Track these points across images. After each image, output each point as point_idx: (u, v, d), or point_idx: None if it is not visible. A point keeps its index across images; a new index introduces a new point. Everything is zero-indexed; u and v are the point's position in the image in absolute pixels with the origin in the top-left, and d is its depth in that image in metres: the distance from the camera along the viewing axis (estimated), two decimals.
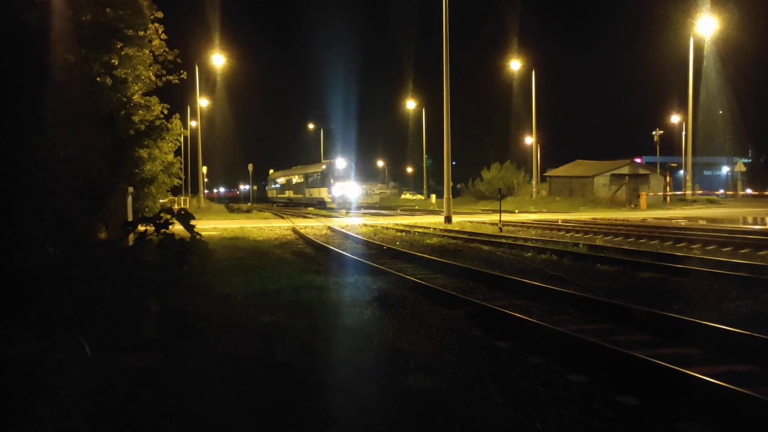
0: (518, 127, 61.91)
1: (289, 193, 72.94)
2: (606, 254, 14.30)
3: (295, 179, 69.86)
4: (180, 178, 19.90)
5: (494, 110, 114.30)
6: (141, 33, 14.28)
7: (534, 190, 59.70)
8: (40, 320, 3.26)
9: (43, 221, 4.29)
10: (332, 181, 56.34)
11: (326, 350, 6.02)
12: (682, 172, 67.81)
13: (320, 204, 56.71)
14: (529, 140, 57.02)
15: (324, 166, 59.34)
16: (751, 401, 4.48)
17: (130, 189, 13.70)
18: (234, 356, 5.70)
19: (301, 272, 11.98)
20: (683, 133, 60.06)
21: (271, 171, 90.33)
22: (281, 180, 79.42)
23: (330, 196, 55.49)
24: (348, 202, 52.49)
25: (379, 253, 16.36)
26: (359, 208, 52.33)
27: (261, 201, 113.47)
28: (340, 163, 57.82)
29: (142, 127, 15.52)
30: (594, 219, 29.20)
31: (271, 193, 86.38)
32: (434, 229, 24.04)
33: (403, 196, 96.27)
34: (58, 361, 3.15)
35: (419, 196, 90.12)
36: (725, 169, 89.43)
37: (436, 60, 29.52)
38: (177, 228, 4.11)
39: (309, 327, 6.91)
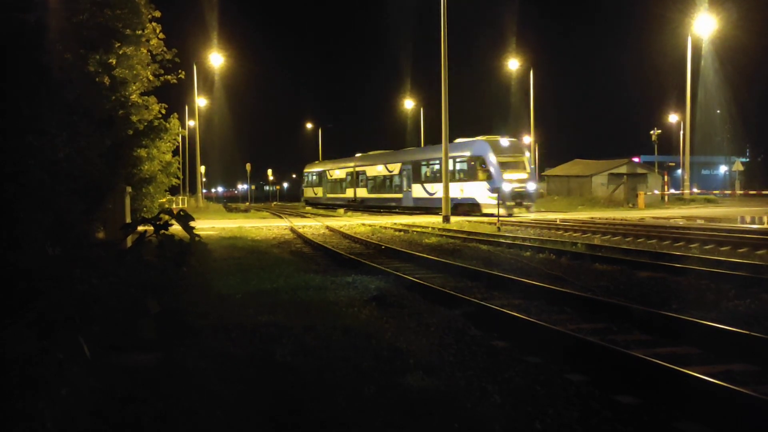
0: (516, 126, 61.85)
1: (361, 192, 50.77)
2: (604, 253, 14.32)
3: (380, 169, 47.23)
4: (178, 178, 19.88)
5: (492, 109, 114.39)
6: (139, 32, 14.26)
7: None
8: (40, 320, 3.26)
9: (43, 222, 4.29)
10: (493, 169, 34.36)
11: (325, 350, 6.02)
12: (680, 171, 67.94)
13: (460, 206, 35.73)
14: (527, 139, 56.94)
15: (477, 145, 36.04)
16: (750, 400, 4.49)
17: (129, 189, 13.70)
18: (233, 356, 5.70)
19: (299, 272, 11.98)
20: (681, 132, 60.18)
21: (318, 162, 67.93)
22: (338, 173, 56.49)
23: (493, 193, 32.41)
24: (526, 203, 34.00)
25: (377, 252, 16.36)
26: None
27: (260, 201, 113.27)
28: (504, 141, 35.97)
29: (141, 126, 15.49)
30: (592, 218, 29.22)
31: (312, 192, 63.79)
32: (432, 228, 24.05)
33: None
34: (58, 361, 3.15)
35: None
36: (723, 169, 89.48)
37: (435, 59, 29.51)
38: (176, 228, 4.12)
39: (307, 326, 6.92)
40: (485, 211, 33.70)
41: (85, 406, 3.57)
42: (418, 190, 41.60)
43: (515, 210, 33.33)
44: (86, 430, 3.48)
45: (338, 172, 56.85)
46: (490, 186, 33.89)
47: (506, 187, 33.13)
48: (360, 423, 4.19)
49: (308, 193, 65.52)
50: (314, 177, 63.84)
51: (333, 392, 4.76)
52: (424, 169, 41.13)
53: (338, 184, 56.47)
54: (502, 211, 29.72)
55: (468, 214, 34.57)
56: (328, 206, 55.13)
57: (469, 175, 35.92)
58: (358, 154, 53.30)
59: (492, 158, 34.55)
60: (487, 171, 34.56)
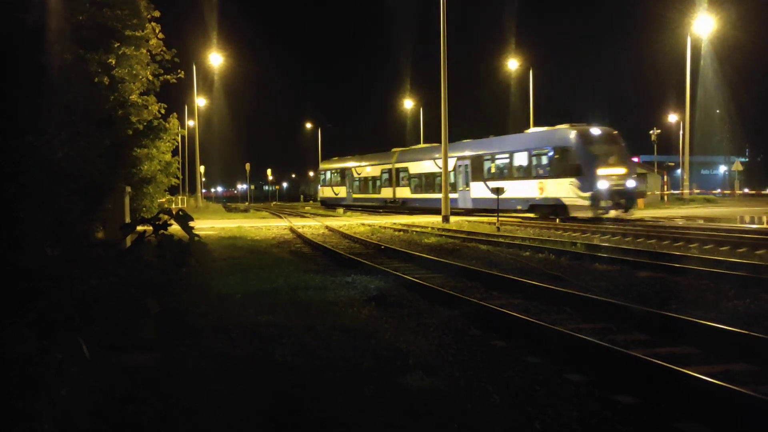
0: (516, 125, 61.65)
1: (402, 191, 43.70)
2: (604, 253, 14.31)
3: (427, 166, 40.59)
4: (178, 178, 19.89)
5: (492, 109, 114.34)
6: (138, 32, 14.27)
7: None
8: (40, 320, 3.26)
9: (43, 222, 4.29)
10: (583, 163, 27.78)
11: (324, 350, 6.03)
12: (679, 171, 67.94)
13: (537, 208, 30.28)
14: None
15: (561, 135, 29.37)
16: (750, 400, 4.49)
17: (128, 189, 13.70)
18: (233, 356, 5.70)
19: (298, 272, 11.99)
20: (680, 132, 60.16)
21: (339, 158, 58.15)
22: (370, 170, 49.14)
23: (585, 191, 27.22)
24: (625, 203, 27.46)
25: (377, 252, 16.36)
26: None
27: (259, 201, 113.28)
28: (596, 129, 29.13)
29: (140, 126, 15.50)
30: (591, 218, 29.20)
31: (331, 192, 56.36)
32: (432, 228, 24.05)
33: None
34: (58, 361, 3.15)
35: None
36: (722, 169, 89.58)
37: (434, 58, 29.50)
38: (175, 228, 4.12)
39: (307, 326, 6.92)
40: (573, 213, 27.83)
41: (84, 406, 3.57)
42: (478, 189, 34.60)
43: (612, 212, 27.22)
44: (86, 431, 3.48)
45: (370, 169, 49.02)
46: (581, 183, 27.37)
47: (602, 185, 26.93)
48: (360, 423, 4.19)
49: (326, 192, 57.61)
50: (334, 175, 55.75)
51: (333, 392, 4.77)
52: (488, 164, 34.18)
53: (370, 183, 48.96)
54: (590, 213, 26.87)
55: (547, 216, 29.04)
56: (353, 208, 48.46)
57: (552, 170, 29.22)
58: (396, 149, 46.46)
59: (582, 150, 27.98)
60: (576, 165, 27.84)
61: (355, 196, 51.18)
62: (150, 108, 16.54)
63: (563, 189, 28.38)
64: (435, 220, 29.34)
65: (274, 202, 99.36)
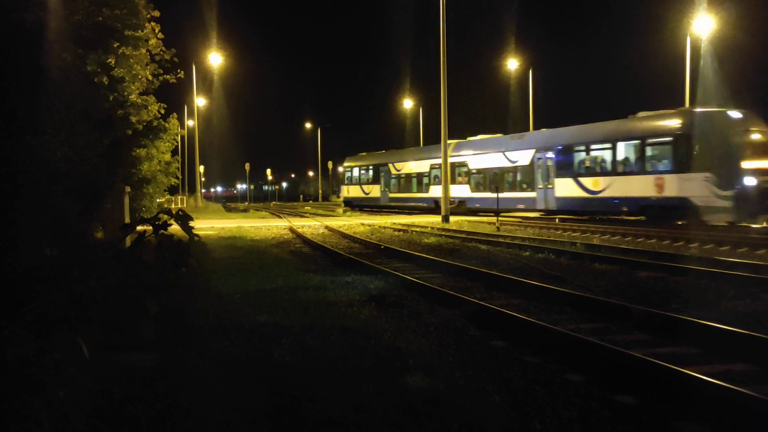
0: (515, 125, 61.53)
1: (460, 189, 36.69)
2: (604, 253, 14.31)
3: (496, 159, 34.11)
4: (177, 178, 19.89)
5: (491, 108, 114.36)
6: (138, 32, 14.27)
7: None
8: (38, 321, 3.25)
9: (41, 222, 4.28)
10: (721, 155, 22.44)
11: (324, 350, 6.02)
12: None
13: (650, 209, 24.72)
14: None
15: (688, 119, 23.61)
16: (750, 400, 4.48)
17: (128, 189, 13.69)
18: (232, 356, 5.70)
19: (298, 272, 11.98)
20: None
21: (370, 153, 51.00)
22: (414, 166, 42.27)
23: (724, 189, 21.73)
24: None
25: (377, 252, 16.35)
26: None
27: (259, 200, 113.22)
28: (734, 113, 23.47)
29: (140, 126, 15.50)
30: (591, 218, 29.20)
31: (360, 191, 49.15)
32: (432, 228, 24.05)
33: None
34: (56, 362, 3.14)
35: None
36: None
37: (434, 58, 29.49)
38: (175, 228, 4.11)
39: (306, 326, 6.91)
40: (707, 217, 21.90)
41: (83, 406, 3.56)
42: (565, 187, 28.53)
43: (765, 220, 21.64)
44: (84, 431, 3.47)
45: (414, 164, 42.06)
46: (718, 180, 21.66)
47: (748, 181, 21.13)
48: (359, 423, 4.19)
49: (352, 192, 50.55)
50: (365, 172, 48.62)
51: (332, 392, 4.76)
52: (580, 157, 28.07)
53: (414, 181, 41.96)
54: (730, 218, 21.54)
55: (666, 220, 23.20)
56: (389, 210, 42.57)
57: (676, 163, 23.28)
58: (452, 140, 36.99)
59: (719, 138, 22.36)
60: (710, 157, 22.15)
61: (393, 195, 43.65)
62: (149, 108, 16.54)
63: (693, 186, 22.27)
64: (435, 220, 29.34)
65: (273, 202, 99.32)
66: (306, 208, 59.12)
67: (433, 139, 46.51)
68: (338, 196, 66.79)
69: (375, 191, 46.89)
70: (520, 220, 28.62)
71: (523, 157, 31.73)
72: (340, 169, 55.34)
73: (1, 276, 3.52)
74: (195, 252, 4.03)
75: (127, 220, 12.49)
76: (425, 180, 40.75)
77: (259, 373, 5.19)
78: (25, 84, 5.24)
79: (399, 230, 23.50)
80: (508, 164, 32.95)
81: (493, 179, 34.00)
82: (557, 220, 27.41)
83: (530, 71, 53.60)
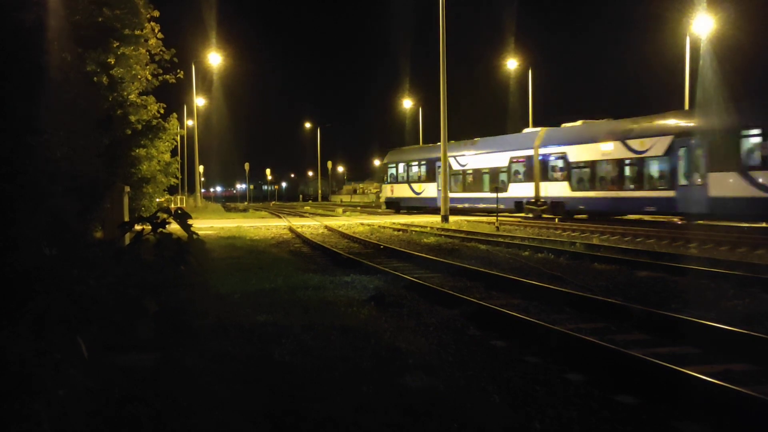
0: (515, 124, 61.40)
1: (557, 188, 29.98)
2: (603, 253, 14.32)
3: (607, 150, 27.43)
4: (177, 178, 19.87)
5: (491, 108, 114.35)
6: (137, 32, 14.24)
7: None
8: (38, 321, 3.25)
9: (40, 222, 4.28)
10: None
11: (323, 349, 6.01)
12: None
13: None
14: None
15: None
16: (749, 400, 4.48)
17: (127, 188, 13.68)
18: (231, 356, 5.69)
19: (297, 271, 11.97)
20: None
21: (423, 146, 45.42)
22: (487, 159, 35.15)
23: None
24: None
25: (376, 252, 16.35)
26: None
27: (258, 200, 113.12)
28: None
29: (139, 126, 15.48)
30: (590, 218, 29.21)
31: (409, 190, 41.60)
32: (431, 228, 24.05)
33: None
34: (56, 362, 3.14)
35: None
36: None
37: (433, 58, 29.53)
38: (174, 227, 4.11)
39: (306, 326, 6.91)
40: None
41: (82, 406, 3.56)
42: (725, 183, 21.91)
43: None
44: (84, 431, 3.47)
45: (486, 158, 35.05)
46: None
47: None
48: (359, 423, 4.18)
49: (398, 191, 42.73)
50: (414, 168, 41.34)
51: (332, 392, 4.75)
52: (750, 143, 21.53)
53: (485, 178, 34.94)
54: None
55: None
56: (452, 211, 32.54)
57: None
58: (542, 128, 32.83)
59: None
60: None
61: (455, 195, 35.65)
62: (149, 108, 16.53)
63: None
64: (434, 219, 29.34)
65: (273, 202, 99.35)
66: (305, 207, 59.14)
67: (431, 137, 46.22)
68: (370, 193, 60.82)
69: (429, 190, 39.42)
70: (519, 219, 28.61)
71: (655, 146, 24.81)
72: (377, 163, 46.48)
73: (1, 276, 3.51)
74: (194, 251, 4.03)
75: (127, 219, 12.48)
76: (502, 176, 33.45)
77: (258, 373, 5.19)
78: (24, 84, 5.24)
79: (398, 230, 23.50)
80: (630, 155, 25.91)
81: (606, 174, 27.30)
82: (557, 220, 27.38)
83: (530, 71, 53.59)
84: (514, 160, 32.66)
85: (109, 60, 13.48)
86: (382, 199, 46.59)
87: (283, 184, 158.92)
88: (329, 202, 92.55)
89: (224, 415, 4.22)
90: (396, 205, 42.80)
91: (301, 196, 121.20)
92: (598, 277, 11.11)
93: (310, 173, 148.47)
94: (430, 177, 39.29)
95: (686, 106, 36.55)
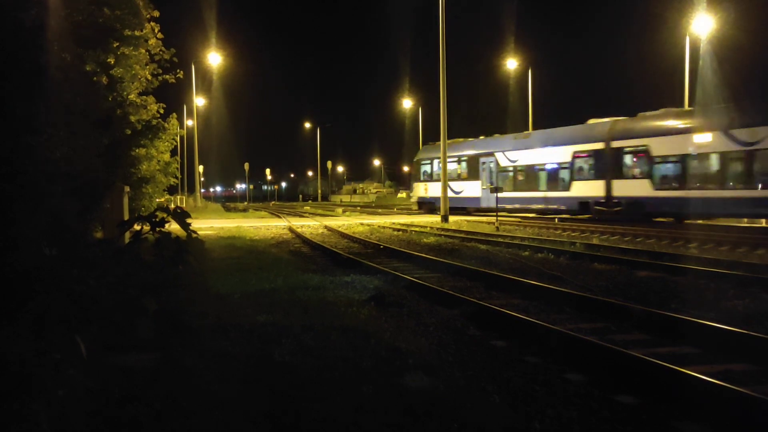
0: (515, 125, 61.31)
1: (638, 186, 25.65)
2: (603, 253, 14.32)
3: (709, 142, 22.85)
4: (176, 178, 19.87)
5: (490, 108, 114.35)
6: (137, 32, 14.23)
7: None
8: (37, 321, 3.25)
9: (40, 222, 4.28)
10: None
11: (323, 349, 6.01)
12: None
13: None
14: None
15: None
16: (749, 400, 4.48)
17: (127, 188, 13.68)
18: (231, 356, 5.68)
19: (297, 271, 11.97)
20: None
21: (464, 140, 39.03)
22: (539, 154, 31.09)
23: None
24: None
25: (376, 252, 16.35)
26: None
27: (258, 200, 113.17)
28: None
29: (139, 126, 15.48)
30: (590, 217, 29.22)
31: (449, 189, 31.78)
32: (431, 228, 24.05)
33: (399, 195, 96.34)
34: (55, 362, 3.14)
35: None
36: None
37: (433, 58, 29.52)
38: (173, 227, 4.10)
39: (306, 326, 6.90)
40: None
41: (82, 406, 3.56)
42: None
43: None
44: (83, 431, 3.47)
45: (543, 152, 30.46)
46: None
47: None
48: (359, 423, 4.18)
49: (434, 190, 37.04)
50: (454, 165, 36.56)
51: (332, 392, 4.75)
52: None
53: (543, 175, 30.39)
54: None
55: None
56: (490, 213, 31.71)
57: None
58: (615, 118, 28.02)
59: None
60: None
61: (501, 195, 29.11)
62: (149, 108, 16.53)
63: None
64: (434, 219, 29.33)
65: (273, 202, 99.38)
66: (305, 207, 59.13)
67: (431, 137, 46.16)
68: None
69: (472, 189, 35.21)
70: (519, 219, 28.60)
71: None
72: (412, 160, 41.00)
73: (1, 276, 3.51)
74: (193, 251, 4.03)
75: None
76: (563, 174, 29.23)
77: (258, 373, 5.18)
78: (24, 84, 5.24)
79: (398, 230, 23.50)
80: (737, 147, 21.61)
81: (703, 170, 23.22)
82: (556, 219, 27.38)
83: (529, 71, 53.55)
84: (578, 154, 28.39)
85: (108, 60, 13.48)
86: (413, 199, 42.38)
87: (283, 184, 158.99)
88: (329, 202, 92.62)
89: (224, 415, 4.22)
90: (430, 206, 37.80)
91: (300, 196, 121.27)
92: (598, 277, 11.11)
93: (310, 173, 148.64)
94: (473, 174, 35.37)
95: (686, 105, 36.48)
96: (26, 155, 4.75)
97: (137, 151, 15.76)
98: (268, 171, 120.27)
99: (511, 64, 55.06)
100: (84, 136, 7.88)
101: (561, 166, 29.41)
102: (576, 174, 28.51)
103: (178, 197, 58.24)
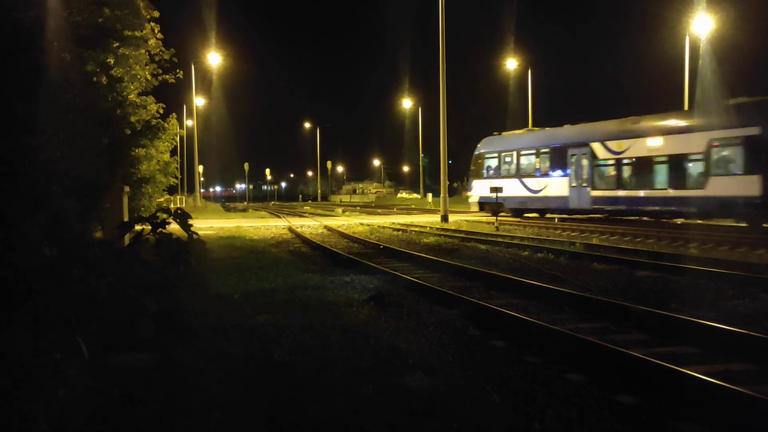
0: (514, 124, 61.41)
1: None
2: (603, 253, 14.32)
3: None
4: (176, 178, 19.88)
5: (490, 108, 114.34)
6: (137, 32, 14.24)
7: None
8: (37, 321, 3.25)
9: (39, 222, 4.28)
10: None
11: (323, 349, 6.01)
12: None
13: None
14: None
15: None
16: (749, 400, 4.48)
17: (127, 188, 13.68)
18: (231, 356, 5.68)
19: (297, 271, 11.97)
20: None
21: (545, 128, 33.15)
22: (648, 145, 24.40)
23: None
24: None
25: (376, 252, 16.35)
26: None
27: (258, 200, 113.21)
28: None
29: (139, 126, 15.49)
30: (590, 217, 29.21)
31: (519, 185, 30.95)
32: (431, 228, 24.05)
33: (399, 195, 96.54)
34: (55, 362, 3.14)
35: (416, 195, 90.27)
36: None
37: (433, 58, 29.53)
38: (173, 227, 4.10)
39: (305, 326, 6.90)
40: None
41: (82, 406, 3.56)
42: None
43: None
44: (83, 431, 3.47)
45: (662, 141, 24.18)
46: None
47: None
48: (359, 423, 4.18)
49: (506, 188, 30.12)
50: (529, 158, 31.22)
51: (332, 392, 4.75)
52: None
53: (663, 170, 24.11)
54: None
55: None
56: (581, 217, 28.21)
57: None
58: (753, 98, 22.15)
59: None
60: None
61: (601, 193, 26.09)
62: (148, 108, 16.54)
63: None
64: (434, 219, 29.34)
65: (272, 202, 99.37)
66: (305, 207, 59.14)
67: (430, 137, 46.03)
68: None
69: (557, 187, 28.73)
70: (519, 219, 28.59)
71: None
72: (474, 153, 34.83)
73: (1, 276, 3.51)
74: (194, 251, 4.03)
75: (126, 219, 12.48)
76: (692, 167, 23.06)
77: (258, 373, 5.19)
78: (24, 84, 5.24)
79: (398, 230, 23.50)
80: None
81: None
82: (556, 219, 27.37)
83: (529, 71, 53.51)
84: (717, 143, 21.99)
85: (108, 60, 13.48)
86: (471, 199, 34.83)
87: (283, 184, 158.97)
88: (329, 202, 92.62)
89: (224, 415, 4.22)
90: (495, 207, 29.08)
91: (300, 196, 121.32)
92: (598, 277, 11.11)
93: (310, 173, 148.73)
94: (558, 168, 28.92)
95: (685, 106, 36.50)
96: (26, 155, 4.75)
97: (137, 151, 15.77)
98: (267, 171, 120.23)
99: (510, 64, 55.00)
100: (84, 136, 7.88)
101: (690, 159, 23.04)
102: (714, 168, 22.10)
103: (178, 197, 58.22)
